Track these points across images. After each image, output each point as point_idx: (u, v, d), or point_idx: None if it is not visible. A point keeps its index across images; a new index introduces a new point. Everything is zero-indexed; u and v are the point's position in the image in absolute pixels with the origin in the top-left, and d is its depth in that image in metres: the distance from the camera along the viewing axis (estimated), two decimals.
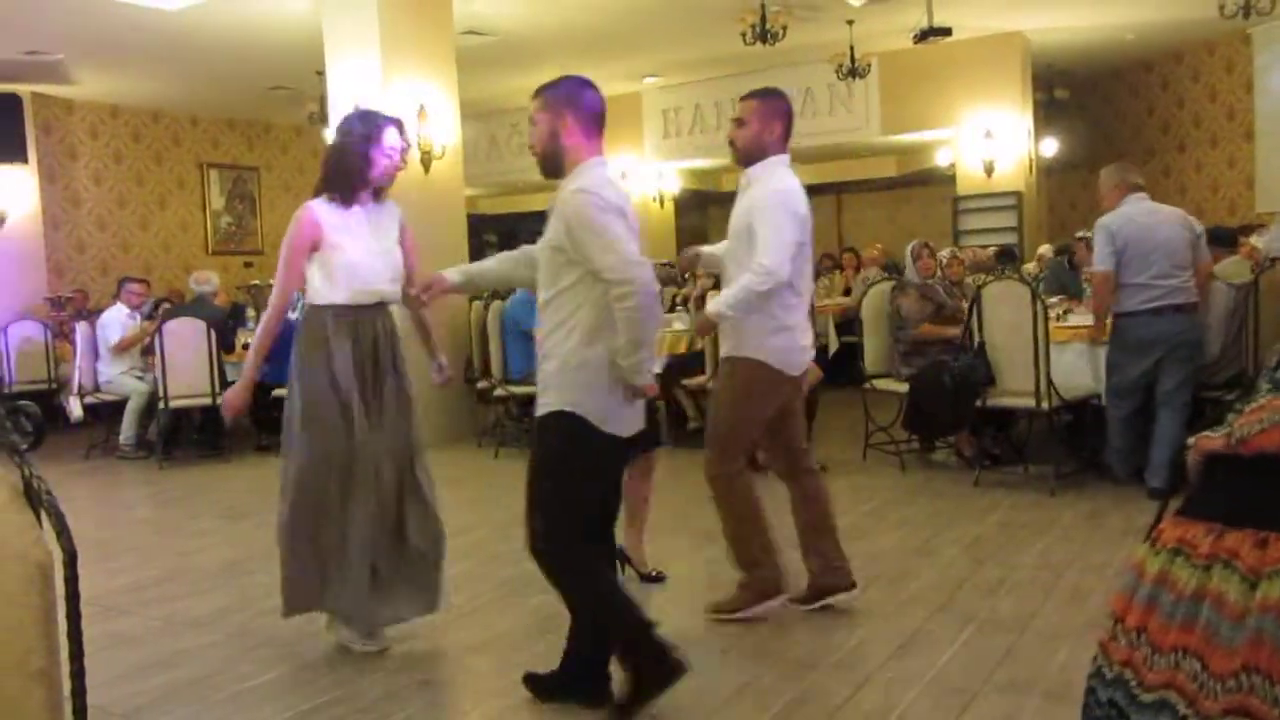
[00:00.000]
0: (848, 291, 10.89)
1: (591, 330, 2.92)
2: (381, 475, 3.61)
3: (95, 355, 8.32)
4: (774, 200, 3.64)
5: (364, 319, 3.62)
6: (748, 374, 3.74)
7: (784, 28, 9.35)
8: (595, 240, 2.85)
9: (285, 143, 14.42)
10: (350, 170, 3.60)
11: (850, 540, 4.84)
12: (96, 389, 8.36)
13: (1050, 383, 5.52)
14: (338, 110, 8.14)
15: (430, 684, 3.45)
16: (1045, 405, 5.55)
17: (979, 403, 5.77)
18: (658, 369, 7.64)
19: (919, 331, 6.45)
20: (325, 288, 3.59)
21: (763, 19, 9.26)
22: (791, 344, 3.76)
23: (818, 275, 12.12)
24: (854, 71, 10.99)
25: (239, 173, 13.89)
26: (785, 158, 3.81)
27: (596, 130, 3.05)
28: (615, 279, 2.82)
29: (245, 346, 8.54)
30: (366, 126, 3.64)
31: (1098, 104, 14.44)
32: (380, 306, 3.68)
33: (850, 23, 10.42)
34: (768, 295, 3.59)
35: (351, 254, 3.57)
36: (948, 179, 13.37)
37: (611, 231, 2.86)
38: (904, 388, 6.43)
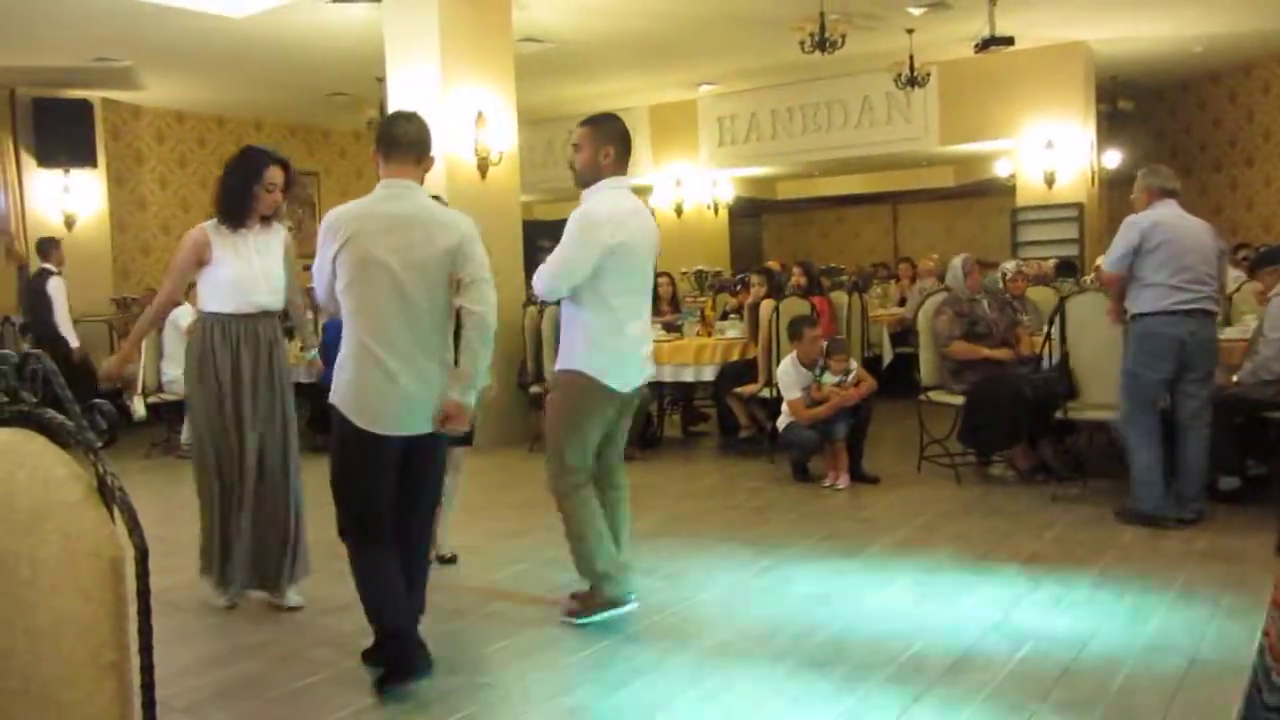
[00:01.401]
0: (902, 302, 10.80)
1: None
2: (265, 461, 4.22)
3: (160, 355, 8.50)
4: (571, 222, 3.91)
5: (247, 326, 4.21)
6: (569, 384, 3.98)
7: (843, 36, 9.30)
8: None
9: (344, 148, 14.64)
10: (235, 203, 4.21)
11: (904, 554, 4.82)
12: (159, 389, 8.53)
13: None
14: None
15: (482, 686, 3.47)
16: None
17: (1060, 415, 5.69)
18: (690, 376, 7.67)
19: (949, 350, 6.38)
20: (212, 299, 4.21)
21: (821, 27, 9.22)
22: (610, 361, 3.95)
23: (870, 283, 12.04)
24: (913, 80, 10.89)
25: (299, 177, 14.11)
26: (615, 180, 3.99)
27: None
28: None
29: (301, 349, 8.67)
30: (250, 165, 4.25)
31: (1163, 116, 14.18)
32: (263, 315, 4.26)
33: (910, 31, 10.35)
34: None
35: (234, 270, 4.17)
36: (1006, 189, 13.21)
37: None
38: (960, 400, 6.36)
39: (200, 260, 4.18)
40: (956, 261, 6.71)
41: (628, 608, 4.02)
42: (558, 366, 4.04)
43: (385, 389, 3.31)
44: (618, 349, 3.93)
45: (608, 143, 3.94)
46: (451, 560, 5.04)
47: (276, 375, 4.28)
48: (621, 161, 3.99)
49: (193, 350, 4.25)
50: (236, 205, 4.19)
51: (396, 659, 3.36)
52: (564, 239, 3.88)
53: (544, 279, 3.94)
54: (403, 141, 3.45)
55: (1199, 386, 5.12)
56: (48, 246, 9.40)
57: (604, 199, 3.92)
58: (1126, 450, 5.29)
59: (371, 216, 3.37)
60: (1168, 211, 5.20)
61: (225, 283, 4.16)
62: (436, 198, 5.29)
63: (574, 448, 3.96)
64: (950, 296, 6.57)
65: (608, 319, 3.89)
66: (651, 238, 4.09)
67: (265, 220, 4.29)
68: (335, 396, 3.37)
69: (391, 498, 3.44)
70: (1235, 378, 5.49)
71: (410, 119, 3.53)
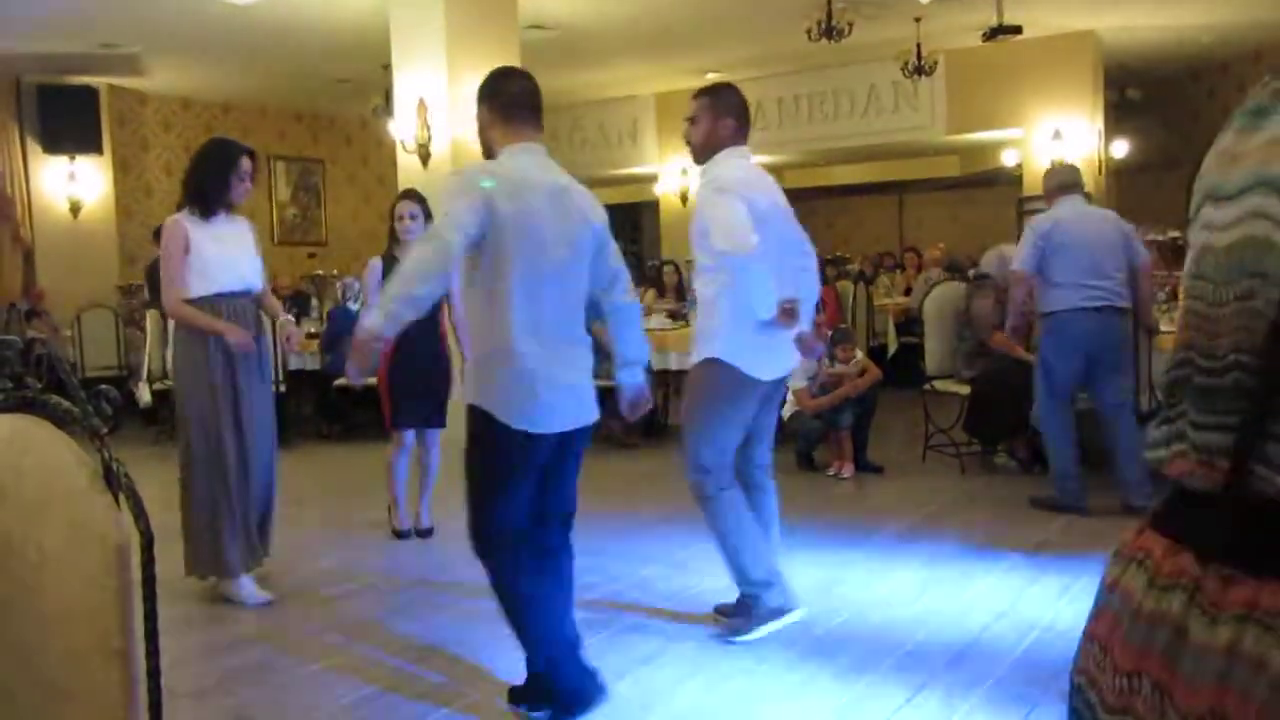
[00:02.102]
0: (908, 291, 10.77)
1: None
2: (255, 435, 4.30)
3: (165, 342, 8.51)
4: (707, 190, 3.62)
5: (233, 304, 4.27)
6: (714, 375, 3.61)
7: (850, 24, 9.27)
8: None
9: (350, 135, 14.62)
10: (209, 192, 4.26)
11: (909, 543, 4.82)
12: (165, 375, 8.54)
13: (1151, 384, 5.44)
14: (403, 103, 8.23)
15: (489, 673, 3.47)
16: (1145, 407, 5.45)
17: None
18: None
19: (991, 338, 6.27)
20: (198, 283, 4.23)
21: (829, 15, 9.19)
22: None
23: (877, 273, 12.01)
24: (920, 69, 10.85)
25: (305, 165, 14.11)
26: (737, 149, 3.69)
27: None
28: None
29: (308, 335, 8.68)
30: (225, 155, 4.33)
31: (1171, 105, 14.11)
32: (244, 294, 4.34)
33: (918, 20, 10.30)
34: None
35: (217, 251, 4.24)
36: (1013, 179, 13.16)
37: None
38: (965, 389, 6.35)
39: (185, 247, 4.22)
40: (1001, 252, 6.66)
41: (794, 617, 3.66)
42: (694, 357, 3.68)
43: (545, 381, 2.89)
44: (757, 328, 3.48)
45: (726, 114, 3.65)
46: (428, 533, 5.18)
47: (262, 350, 4.41)
48: (741, 133, 3.68)
49: (181, 338, 4.30)
50: (212, 194, 4.26)
51: (569, 693, 3.00)
52: (701, 213, 3.54)
53: (724, 255, 3.45)
54: (527, 101, 3.07)
55: (1114, 376, 5.25)
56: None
57: (730, 165, 3.61)
58: (1045, 444, 5.49)
59: (529, 184, 2.94)
60: (1069, 209, 5.34)
61: (211, 264, 4.22)
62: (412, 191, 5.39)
63: (712, 447, 3.59)
64: (993, 281, 6.48)
65: (750, 285, 3.43)
66: (786, 206, 3.75)
67: (230, 211, 4.36)
68: (478, 395, 2.94)
69: (533, 505, 3.07)
70: None
71: (526, 75, 3.17)
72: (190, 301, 4.21)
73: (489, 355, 2.94)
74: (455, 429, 5.56)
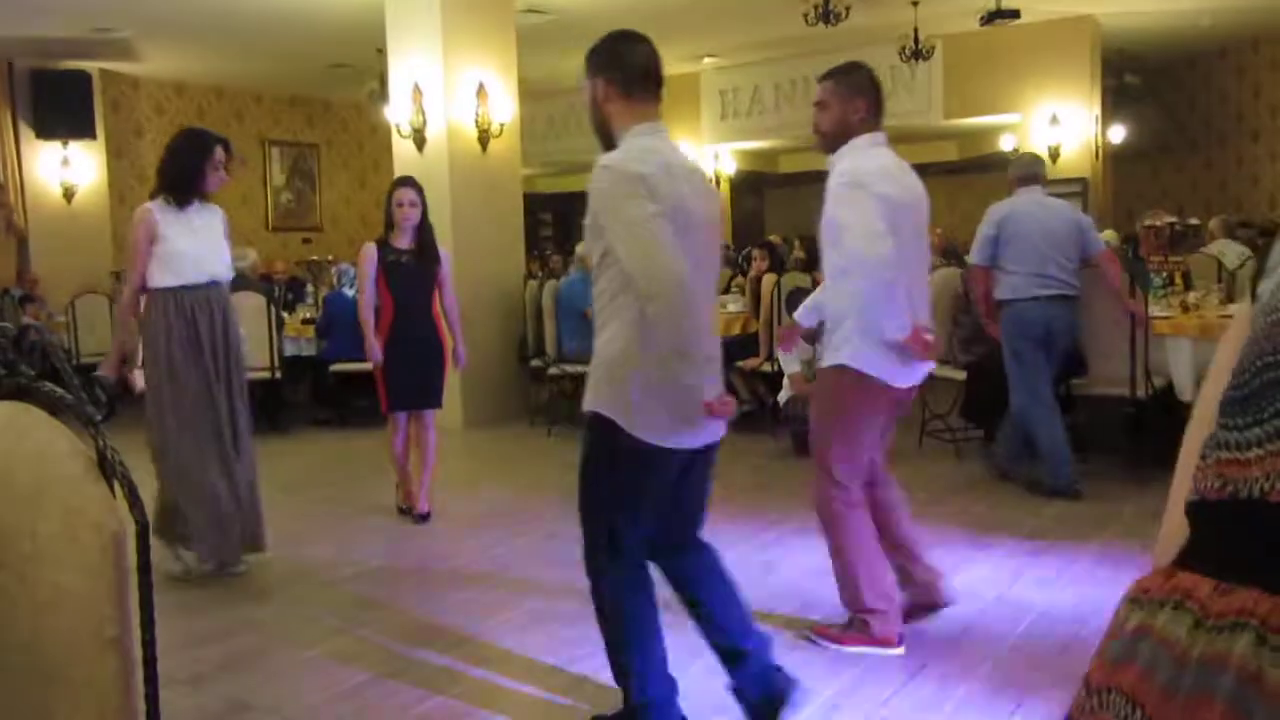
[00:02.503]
0: None
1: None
2: (221, 426, 4.32)
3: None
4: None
5: (199, 297, 4.31)
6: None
7: (847, 8, 9.23)
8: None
9: (345, 120, 14.56)
10: (184, 181, 4.32)
11: None
12: None
13: (1147, 372, 5.46)
14: (398, 88, 8.20)
15: (484, 659, 3.48)
16: (1141, 393, 5.47)
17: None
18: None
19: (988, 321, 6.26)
20: (166, 274, 4.28)
21: (825, 0, 9.14)
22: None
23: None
24: (917, 54, 10.81)
25: (300, 149, 14.06)
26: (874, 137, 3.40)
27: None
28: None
29: (304, 321, 8.67)
30: (198, 145, 4.38)
31: (1169, 90, 14.09)
32: (213, 285, 4.37)
33: (915, 4, 10.26)
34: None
35: (186, 244, 4.29)
36: (1010, 164, 13.13)
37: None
38: (961, 375, 6.35)
39: (151, 239, 4.27)
40: None
41: (895, 651, 3.35)
42: (824, 361, 3.40)
43: (686, 390, 2.56)
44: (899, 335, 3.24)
45: (858, 95, 3.36)
46: (425, 518, 5.20)
47: (231, 340, 4.43)
48: (875, 117, 3.39)
49: (149, 327, 4.32)
50: (187, 183, 4.32)
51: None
52: (835, 210, 3.25)
53: (854, 260, 3.19)
54: (652, 74, 2.74)
55: (1062, 360, 5.45)
56: None
57: (865, 155, 3.32)
58: (1031, 436, 5.45)
59: (673, 170, 2.63)
60: (1025, 200, 5.47)
61: (178, 257, 4.27)
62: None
63: (848, 462, 3.36)
64: None
65: (884, 296, 3.17)
66: (924, 203, 3.49)
67: (203, 199, 4.41)
68: (604, 404, 2.62)
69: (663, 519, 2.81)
70: None
71: (646, 40, 2.79)
72: (156, 291, 4.28)
73: (627, 358, 2.58)
74: (448, 413, 5.60)
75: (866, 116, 3.36)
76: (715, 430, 2.73)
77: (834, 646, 3.43)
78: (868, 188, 3.20)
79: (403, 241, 5.17)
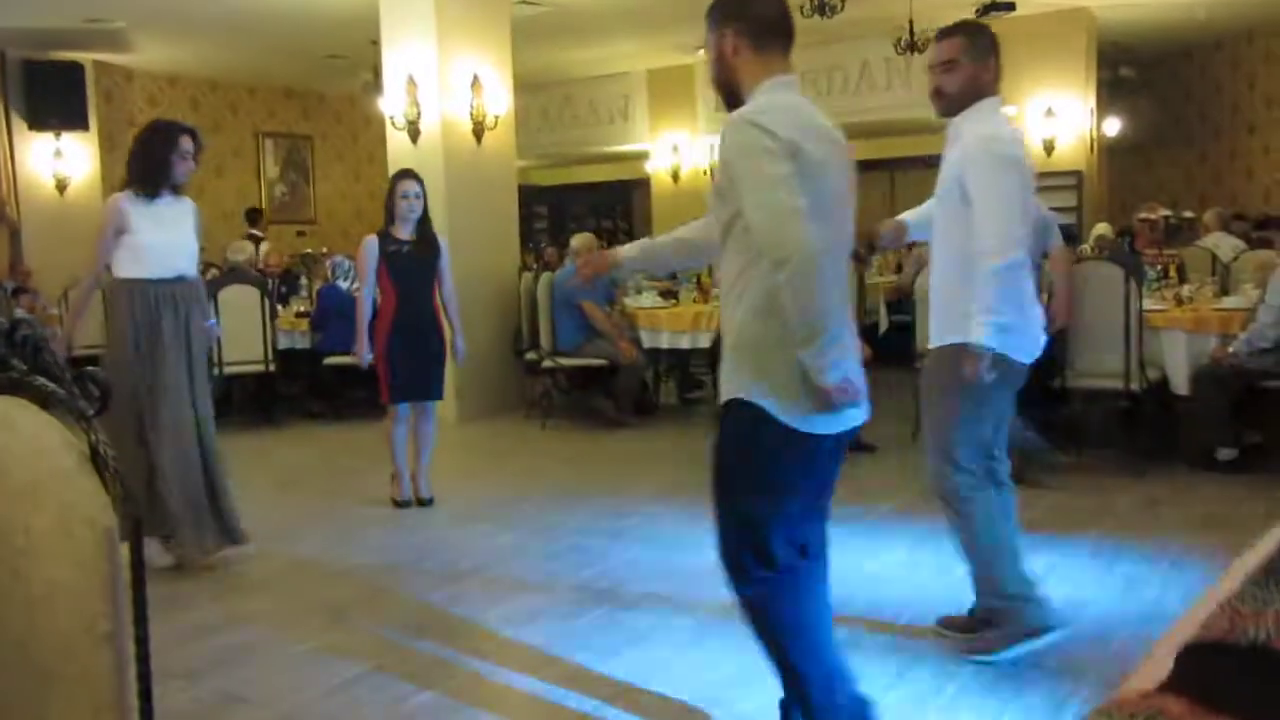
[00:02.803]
0: (899, 268, 10.76)
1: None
2: (180, 420, 4.35)
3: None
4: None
5: (164, 291, 4.35)
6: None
7: (842, 0, 9.20)
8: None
9: (339, 112, 14.52)
10: (152, 172, 4.34)
11: (899, 521, 4.83)
12: None
13: (1142, 364, 5.47)
14: (392, 80, 8.17)
15: (478, 653, 3.48)
16: (1135, 386, 5.48)
17: (1057, 383, 5.70)
18: (686, 343, 7.67)
19: None
20: (130, 265, 4.32)
21: None
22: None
23: (870, 252, 11.99)
24: (913, 46, 10.78)
25: (294, 142, 14.02)
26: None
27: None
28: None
29: (298, 314, 8.65)
30: (163, 135, 4.40)
31: (1164, 83, 14.09)
32: (179, 280, 4.40)
33: None
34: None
35: (154, 237, 4.33)
36: None
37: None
38: None
39: (119, 230, 4.32)
40: None
41: (1052, 636, 3.18)
42: (943, 339, 3.18)
43: (816, 370, 2.32)
44: (1020, 310, 3.08)
45: (989, 54, 3.15)
46: (429, 502, 5.27)
47: (194, 336, 4.46)
48: (998, 79, 3.20)
49: (115, 316, 4.39)
50: (154, 175, 4.34)
51: None
52: (980, 181, 3.03)
53: (998, 237, 2.98)
54: (783, 25, 2.55)
55: None
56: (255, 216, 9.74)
57: (1001, 121, 3.16)
58: None
59: (814, 127, 2.42)
60: None
61: (145, 249, 4.32)
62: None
63: (969, 444, 3.18)
64: None
65: (1016, 274, 3.02)
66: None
67: (175, 192, 4.44)
68: (746, 388, 2.38)
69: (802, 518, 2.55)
70: (1230, 348, 5.49)
71: None
72: (121, 282, 4.33)
73: (769, 334, 2.34)
74: (442, 405, 5.60)
75: (996, 77, 3.18)
76: (854, 415, 2.44)
77: (989, 659, 3.16)
78: (1015, 160, 3.05)
79: (404, 233, 5.20)
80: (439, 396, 5.38)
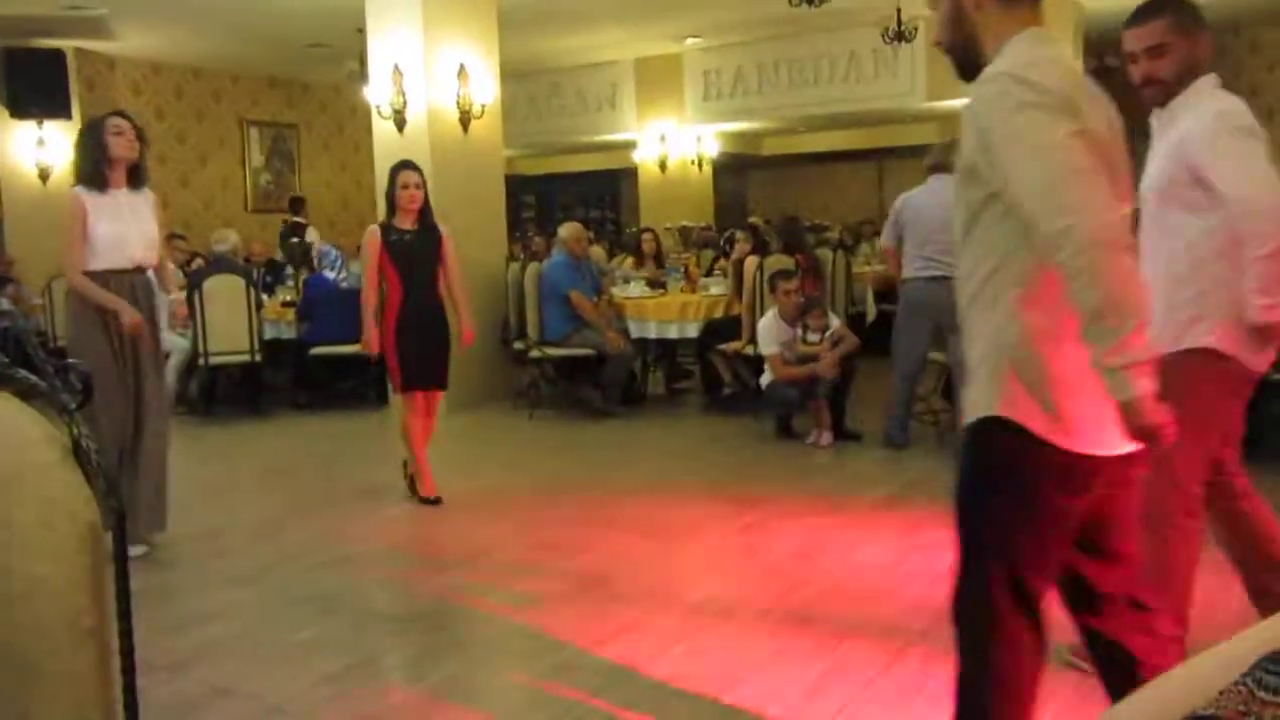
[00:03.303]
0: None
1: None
2: (143, 408, 4.43)
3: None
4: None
5: (122, 282, 4.40)
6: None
7: None
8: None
9: (325, 101, 14.43)
10: (94, 161, 4.42)
11: (888, 510, 4.84)
12: None
13: None
14: (378, 69, 8.12)
15: (466, 645, 3.48)
16: None
17: None
18: (674, 333, 7.67)
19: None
20: (91, 258, 4.38)
21: None
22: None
23: (858, 241, 12.01)
24: (900, 35, 10.77)
25: (279, 130, 13.92)
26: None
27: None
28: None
29: (284, 303, 8.61)
30: (92, 124, 4.57)
31: None
32: (137, 271, 4.47)
33: None
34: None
35: (110, 229, 4.38)
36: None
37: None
38: (942, 357, 6.36)
39: (83, 221, 4.37)
40: None
41: None
42: (1176, 346, 2.76)
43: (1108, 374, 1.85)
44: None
45: (1201, 29, 2.83)
46: (437, 502, 5.21)
47: (154, 329, 4.55)
48: (1212, 51, 2.89)
49: (76, 309, 4.46)
50: (95, 164, 4.42)
51: None
52: (1226, 160, 2.70)
53: (1267, 217, 2.65)
54: None
55: (957, 337, 5.60)
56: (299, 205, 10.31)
57: (1223, 94, 2.84)
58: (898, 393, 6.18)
59: (1086, 86, 2.06)
60: (924, 187, 6.10)
61: (102, 241, 4.37)
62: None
63: (1201, 461, 2.84)
64: None
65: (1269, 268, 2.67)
66: None
67: (135, 184, 4.52)
68: (1006, 405, 1.96)
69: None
70: None
71: None
72: (85, 274, 4.37)
73: (1035, 338, 1.95)
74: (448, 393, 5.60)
75: (1210, 49, 2.87)
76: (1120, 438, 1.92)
77: None
78: (1258, 133, 2.73)
79: (406, 223, 5.23)
80: (444, 387, 5.37)
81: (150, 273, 4.57)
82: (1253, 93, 12.66)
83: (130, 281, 4.44)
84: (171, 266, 5.02)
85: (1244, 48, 12.87)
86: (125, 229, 4.42)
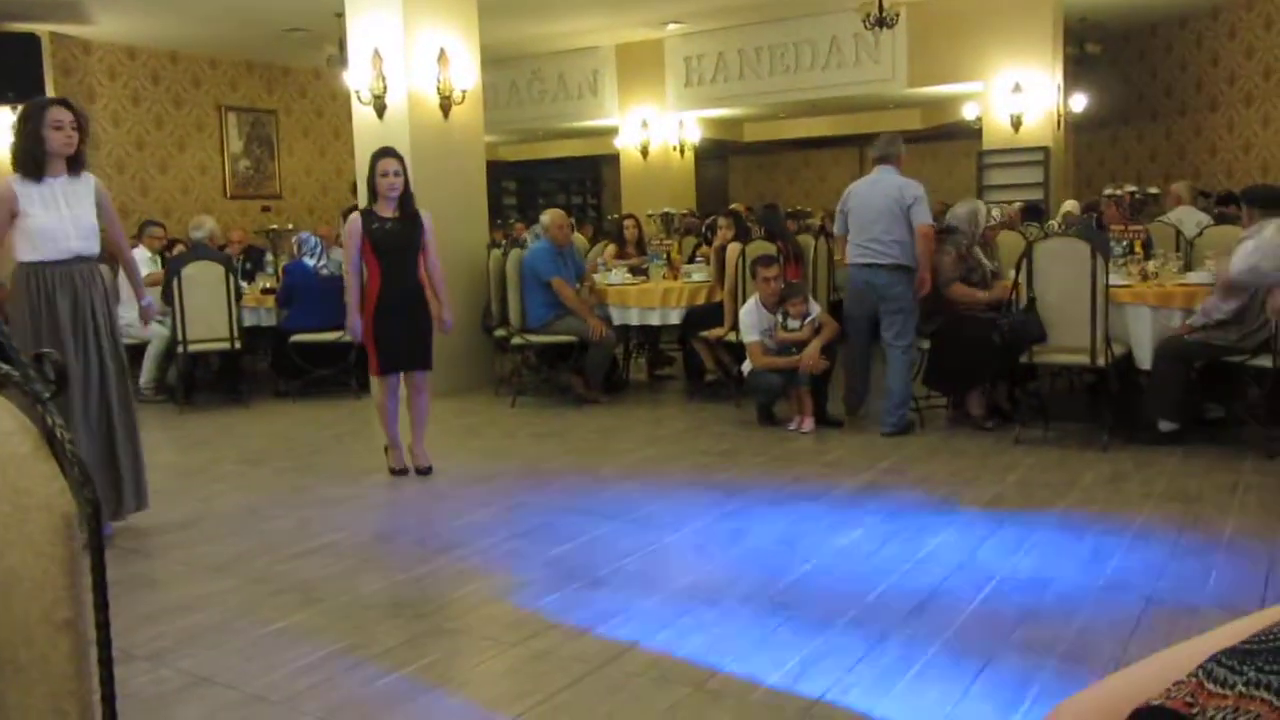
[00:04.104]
0: None
1: None
2: (89, 400, 4.37)
3: (116, 298, 8.32)
4: None
5: (61, 273, 4.33)
6: None
7: None
8: None
9: (304, 86, 14.31)
10: (29, 151, 4.29)
11: (868, 497, 4.86)
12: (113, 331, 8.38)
13: (1108, 339, 5.51)
14: (357, 53, 8.06)
15: (448, 632, 3.47)
16: (1102, 361, 5.53)
17: (1025, 359, 5.73)
18: (656, 320, 7.67)
19: (948, 291, 6.28)
20: (26, 249, 4.32)
21: None
22: None
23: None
24: (882, 21, 10.77)
25: (257, 116, 13.80)
26: None
27: None
28: None
29: (264, 290, 8.55)
30: (31, 111, 4.34)
31: (1130, 59, 14.17)
32: (77, 261, 4.36)
33: None
34: None
35: (43, 219, 4.29)
36: (973, 133, 13.18)
37: None
38: (924, 344, 6.39)
39: (11, 213, 4.29)
40: (974, 207, 6.62)
41: None
42: None
43: None
44: None
45: None
46: (427, 471, 5.43)
47: (99, 317, 4.43)
48: None
49: (14, 300, 4.39)
50: (30, 153, 4.30)
51: None
52: None
53: None
54: None
55: (892, 318, 6.20)
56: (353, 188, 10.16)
57: None
58: (849, 372, 6.52)
59: None
60: (867, 178, 6.44)
61: (36, 232, 4.29)
62: None
63: None
64: (954, 238, 6.38)
65: None
66: None
67: (74, 170, 4.39)
68: None
69: None
70: (1189, 321, 5.54)
71: None
72: (20, 265, 4.33)
73: None
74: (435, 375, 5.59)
75: None
76: None
77: None
78: None
79: (387, 210, 5.26)
80: (427, 367, 5.46)
81: (104, 266, 4.53)
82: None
83: (71, 272, 4.36)
84: (139, 260, 4.95)
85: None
86: (59, 219, 4.32)
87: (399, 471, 5.47)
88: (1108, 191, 7.84)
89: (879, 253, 6.14)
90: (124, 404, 4.54)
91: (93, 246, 4.45)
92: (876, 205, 6.17)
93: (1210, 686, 0.85)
